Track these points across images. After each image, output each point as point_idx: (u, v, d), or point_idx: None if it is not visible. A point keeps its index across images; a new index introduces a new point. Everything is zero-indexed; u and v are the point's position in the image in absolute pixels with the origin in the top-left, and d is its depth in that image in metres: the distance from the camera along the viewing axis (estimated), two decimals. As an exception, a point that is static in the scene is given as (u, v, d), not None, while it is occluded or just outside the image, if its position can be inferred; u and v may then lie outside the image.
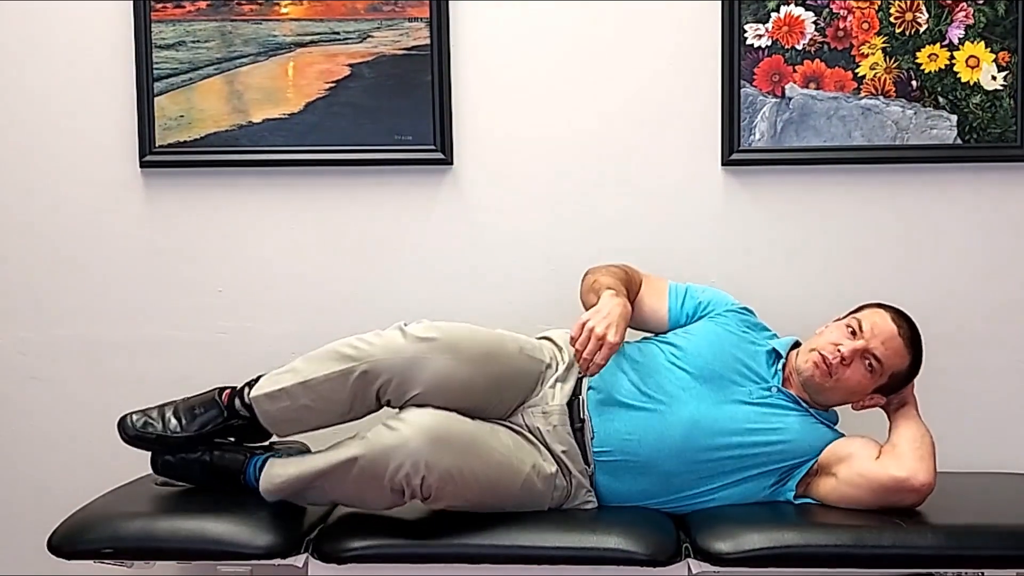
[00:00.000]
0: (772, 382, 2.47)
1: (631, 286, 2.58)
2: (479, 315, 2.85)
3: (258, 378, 2.43)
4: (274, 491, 2.34)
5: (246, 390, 2.41)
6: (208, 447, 2.45)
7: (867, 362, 2.42)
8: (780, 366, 2.50)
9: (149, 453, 2.47)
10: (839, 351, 2.41)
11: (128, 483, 2.60)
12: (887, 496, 2.32)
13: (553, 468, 2.40)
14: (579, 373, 2.45)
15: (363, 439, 2.26)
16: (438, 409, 2.29)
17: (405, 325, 2.38)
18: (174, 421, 2.43)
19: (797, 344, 2.55)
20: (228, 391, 2.45)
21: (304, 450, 2.50)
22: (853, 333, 2.44)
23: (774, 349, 2.53)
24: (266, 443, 2.50)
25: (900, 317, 2.47)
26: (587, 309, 2.54)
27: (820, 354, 2.42)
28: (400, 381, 2.31)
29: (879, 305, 2.50)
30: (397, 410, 2.34)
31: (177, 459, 2.47)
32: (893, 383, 2.46)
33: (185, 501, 2.44)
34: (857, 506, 2.34)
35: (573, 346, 2.39)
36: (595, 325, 2.36)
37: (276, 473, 2.33)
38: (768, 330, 2.59)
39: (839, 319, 2.52)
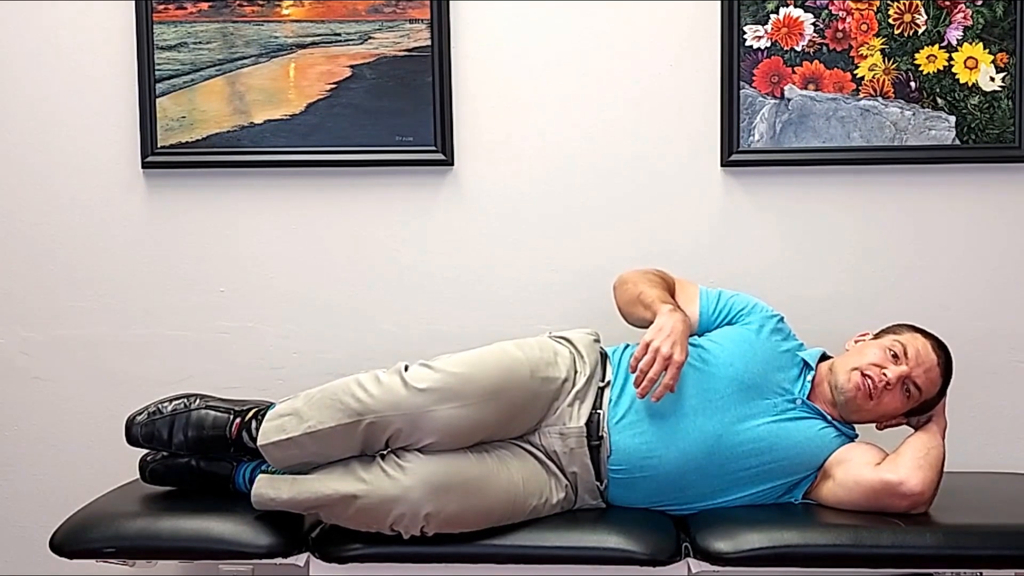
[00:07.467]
0: (798, 394, 2.45)
1: (671, 294, 2.52)
2: (479, 315, 2.87)
3: (264, 410, 2.40)
4: (265, 507, 2.32)
5: (253, 424, 2.39)
6: (195, 453, 2.47)
7: (906, 388, 2.41)
8: (809, 378, 2.47)
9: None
10: (884, 375, 2.39)
11: (129, 482, 2.61)
12: (877, 500, 2.32)
13: (562, 494, 2.38)
14: (639, 396, 2.35)
15: (360, 479, 2.24)
16: (443, 454, 2.26)
17: (406, 369, 2.31)
18: (180, 437, 2.43)
19: (825, 356, 2.53)
20: (237, 422, 2.42)
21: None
22: (895, 357, 2.41)
23: (804, 361, 2.50)
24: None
25: (939, 347, 2.44)
26: (631, 321, 2.52)
27: (864, 375, 2.40)
28: (410, 432, 2.25)
29: (915, 329, 2.47)
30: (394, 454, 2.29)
31: (165, 467, 2.49)
32: (920, 409, 2.45)
33: (186, 501, 2.45)
34: (852, 508, 2.34)
35: (635, 367, 2.32)
36: (660, 345, 2.30)
37: (268, 496, 2.29)
38: (796, 339, 2.55)
39: (872, 336, 2.49)
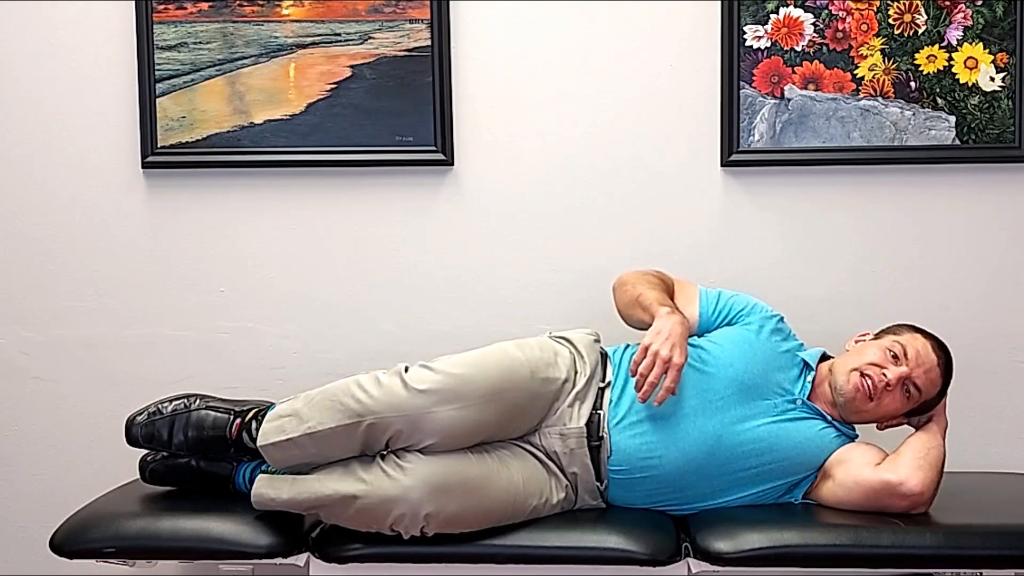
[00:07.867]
0: (798, 395, 2.45)
1: (670, 295, 2.52)
2: (479, 315, 2.88)
3: (264, 410, 2.40)
4: (265, 507, 2.32)
5: (253, 425, 2.39)
6: (195, 453, 2.47)
7: (906, 389, 2.41)
8: (809, 378, 2.47)
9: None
10: (884, 376, 2.39)
11: (129, 482, 2.61)
12: (877, 500, 2.32)
13: (562, 494, 2.38)
14: (641, 400, 2.34)
15: (360, 480, 2.24)
16: (443, 455, 2.26)
17: (406, 371, 2.31)
18: (180, 437, 2.43)
19: (825, 356, 2.53)
20: (237, 422, 2.42)
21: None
22: (895, 357, 2.41)
23: (804, 361, 2.50)
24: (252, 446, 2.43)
25: (939, 347, 2.44)
26: (631, 323, 2.52)
27: (864, 376, 2.40)
28: (410, 433, 2.25)
29: (915, 329, 2.47)
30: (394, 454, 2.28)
31: (165, 467, 2.49)
32: (920, 409, 2.45)
33: (186, 500, 2.45)
34: (852, 508, 2.34)
35: (635, 371, 2.33)
36: (659, 348, 2.30)
37: (268, 496, 2.29)
38: (796, 339, 2.55)
39: (872, 337, 2.49)
